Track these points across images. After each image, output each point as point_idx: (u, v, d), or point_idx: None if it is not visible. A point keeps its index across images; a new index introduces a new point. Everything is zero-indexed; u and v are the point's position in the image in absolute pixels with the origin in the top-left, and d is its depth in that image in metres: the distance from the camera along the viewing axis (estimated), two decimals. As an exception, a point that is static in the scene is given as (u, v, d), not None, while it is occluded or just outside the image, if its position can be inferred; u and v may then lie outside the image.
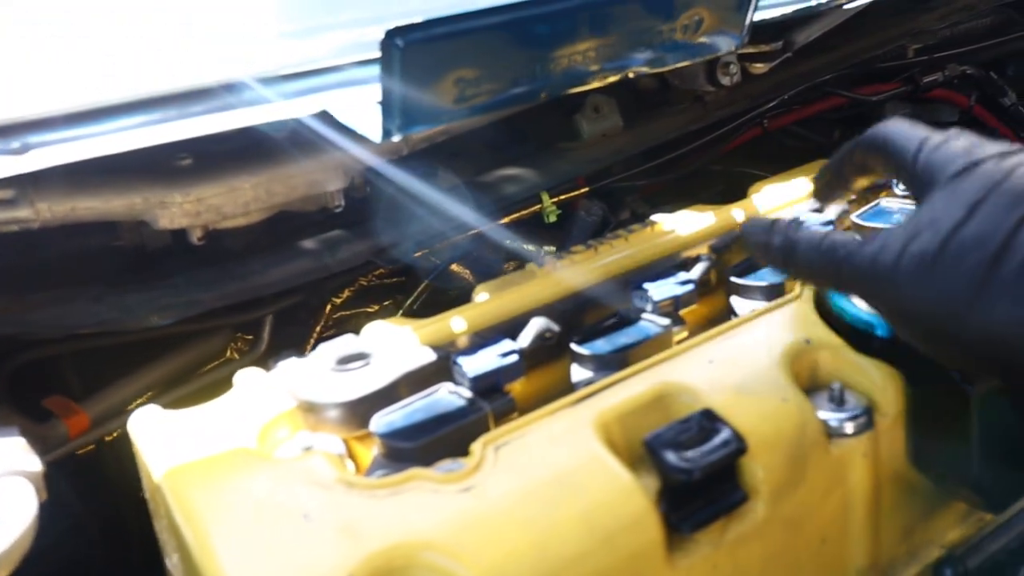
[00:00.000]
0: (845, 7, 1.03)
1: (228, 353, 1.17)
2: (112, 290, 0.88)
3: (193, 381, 1.08)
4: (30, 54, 0.69)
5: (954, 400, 0.64)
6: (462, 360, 0.68)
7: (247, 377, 0.72)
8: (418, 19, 0.63)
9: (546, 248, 1.31)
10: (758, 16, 0.99)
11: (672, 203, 1.44)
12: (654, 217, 0.90)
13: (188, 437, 0.64)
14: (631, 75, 0.78)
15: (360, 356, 0.72)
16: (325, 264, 0.99)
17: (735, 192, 1.56)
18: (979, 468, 0.65)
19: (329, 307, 1.21)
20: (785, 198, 0.95)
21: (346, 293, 1.22)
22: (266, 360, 1.10)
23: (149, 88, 0.78)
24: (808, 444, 0.63)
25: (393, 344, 0.73)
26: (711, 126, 1.33)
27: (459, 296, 1.30)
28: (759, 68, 1.08)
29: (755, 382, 0.65)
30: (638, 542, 0.56)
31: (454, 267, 1.30)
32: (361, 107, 0.71)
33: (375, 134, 0.68)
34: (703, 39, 0.80)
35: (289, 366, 0.72)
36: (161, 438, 0.64)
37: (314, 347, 1.16)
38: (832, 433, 0.65)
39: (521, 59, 0.70)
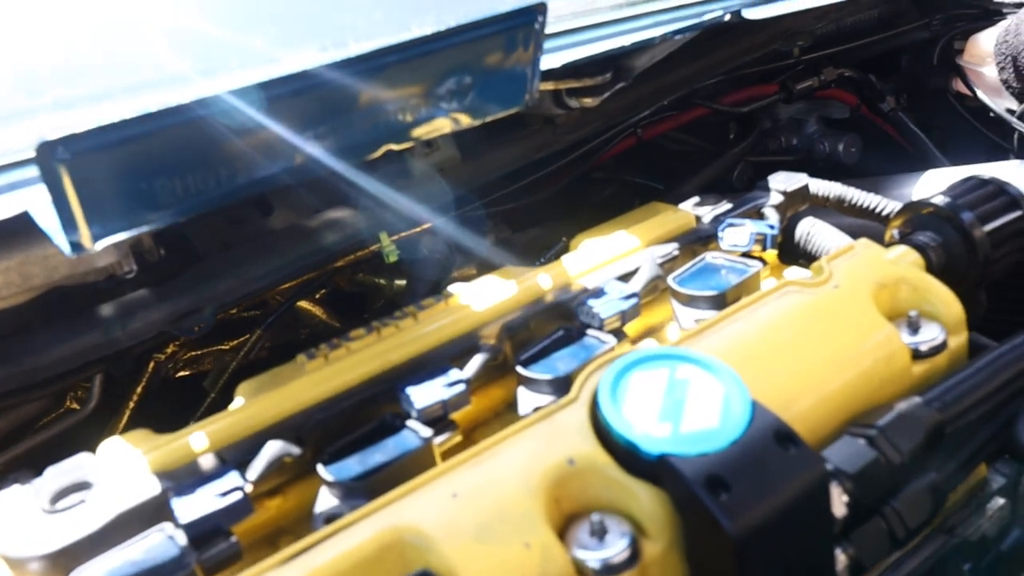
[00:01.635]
0: (676, 38, 0.94)
1: (68, 403, 1.10)
2: None
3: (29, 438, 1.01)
4: None
5: (717, 536, 0.57)
6: (176, 502, 0.61)
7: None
8: (85, 127, 0.54)
9: (397, 282, 1.24)
10: (582, 53, 0.90)
11: (550, 220, 1.38)
12: (450, 288, 0.82)
13: None
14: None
15: (81, 486, 0.64)
16: (115, 338, 0.90)
17: (623, 197, 1.49)
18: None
19: (162, 357, 1.13)
20: (601, 257, 0.86)
21: (171, 348, 1.13)
22: (98, 416, 1.03)
23: None
24: (552, 595, 0.56)
25: (121, 470, 0.65)
26: (578, 143, 1.25)
27: (308, 337, 1.23)
28: (589, 102, 0.99)
29: (500, 521, 0.58)
30: None
31: (304, 304, 1.22)
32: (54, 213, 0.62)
33: (65, 247, 0.59)
34: (481, 100, 0.71)
35: (1, 504, 0.64)
36: None
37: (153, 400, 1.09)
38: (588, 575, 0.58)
39: (221, 154, 0.61)
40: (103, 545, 0.60)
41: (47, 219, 0.63)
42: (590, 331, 0.75)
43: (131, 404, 1.08)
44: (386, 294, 1.23)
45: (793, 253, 0.95)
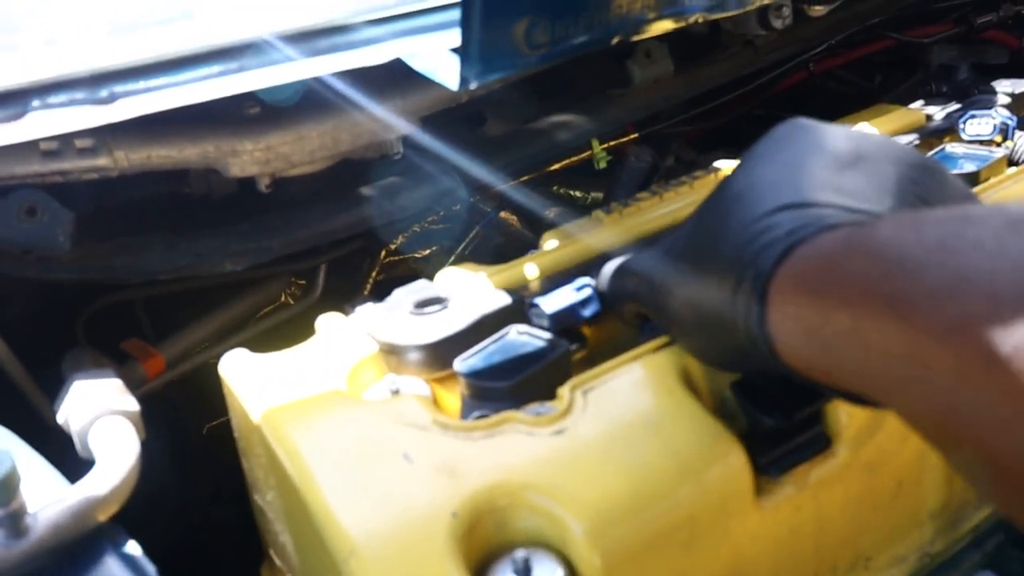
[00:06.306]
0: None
1: (282, 298, 1.20)
2: (184, 237, 0.90)
3: (251, 327, 1.10)
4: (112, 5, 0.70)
5: None
6: (540, 300, 0.70)
7: (328, 322, 0.73)
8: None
9: (593, 194, 1.33)
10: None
11: (716, 149, 1.45)
12: (717, 164, 0.91)
13: (280, 379, 0.66)
14: (699, 20, 0.78)
15: (436, 300, 0.73)
16: (386, 210, 1.00)
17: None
18: None
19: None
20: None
21: (400, 239, 1.24)
22: (319, 307, 1.13)
23: (227, 37, 0.79)
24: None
25: (468, 289, 0.74)
26: (757, 71, 1.33)
27: (507, 243, 1.32)
28: (818, 11, 1.07)
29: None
30: (728, 484, 0.58)
31: (503, 215, 1.32)
32: (437, 54, 0.71)
33: (452, 82, 0.68)
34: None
35: (368, 311, 0.74)
36: (254, 380, 0.66)
37: (371, 293, 1.19)
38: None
39: (586, 5, 0.70)
40: (472, 343, 0.69)
41: (425, 61, 0.72)
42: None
43: (366, 287, 1.18)
44: (581, 206, 1.32)
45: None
